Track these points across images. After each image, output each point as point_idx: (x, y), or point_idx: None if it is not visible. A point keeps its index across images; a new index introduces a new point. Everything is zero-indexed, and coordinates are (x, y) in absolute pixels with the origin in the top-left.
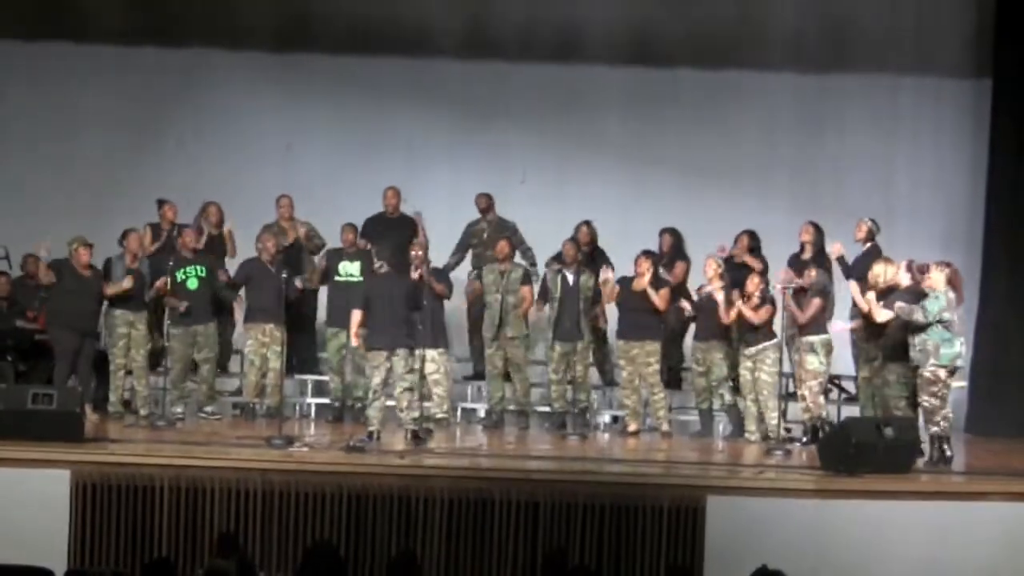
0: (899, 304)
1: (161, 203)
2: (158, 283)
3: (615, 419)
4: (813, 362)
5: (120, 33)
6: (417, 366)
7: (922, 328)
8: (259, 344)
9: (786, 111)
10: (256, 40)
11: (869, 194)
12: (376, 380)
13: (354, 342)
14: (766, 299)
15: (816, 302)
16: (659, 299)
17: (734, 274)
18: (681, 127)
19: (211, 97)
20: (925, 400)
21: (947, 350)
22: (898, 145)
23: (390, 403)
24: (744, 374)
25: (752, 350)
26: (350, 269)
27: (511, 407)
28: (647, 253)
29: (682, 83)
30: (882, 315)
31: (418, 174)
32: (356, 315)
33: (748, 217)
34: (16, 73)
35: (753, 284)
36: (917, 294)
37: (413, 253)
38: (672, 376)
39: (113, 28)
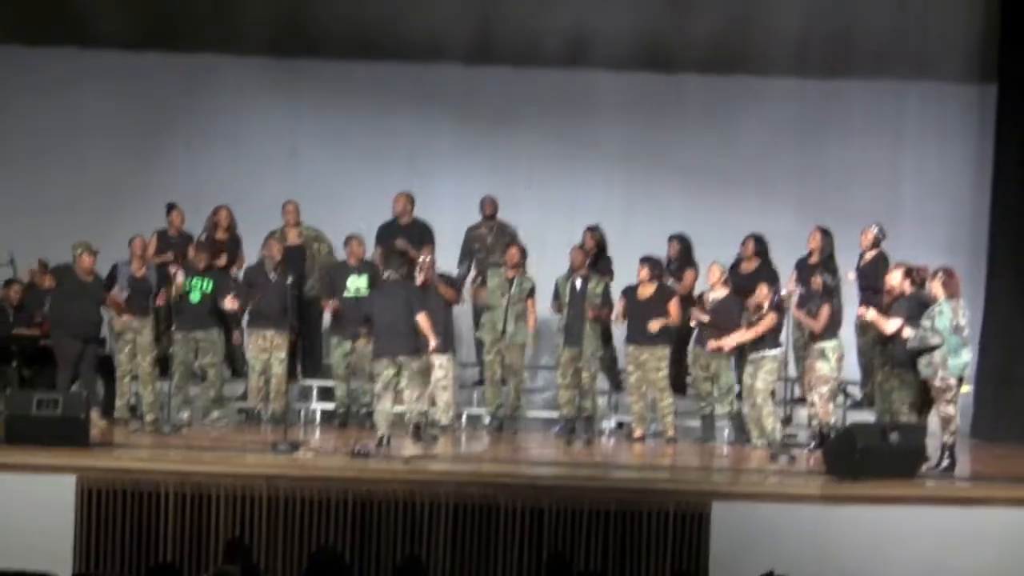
0: (910, 336)
1: (170, 208)
2: (163, 293)
3: (620, 425)
4: (823, 368)
5: (125, 38)
6: (425, 364)
7: (937, 346)
8: (259, 350)
9: (791, 116)
10: (261, 45)
11: (874, 199)
12: (378, 386)
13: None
14: (774, 307)
15: (826, 309)
16: (674, 309)
17: (739, 281)
18: (686, 133)
19: (216, 102)
20: (943, 409)
21: (954, 360)
22: (903, 150)
23: (399, 409)
24: (746, 380)
25: (754, 356)
26: (358, 283)
27: (503, 412)
28: (645, 260)
29: (688, 89)
30: (890, 326)
31: (423, 180)
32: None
33: (753, 222)
34: (21, 79)
35: (762, 293)
36: (920, 301)
37: (421, 259)
38: (678, 381)
39: (118, 33)
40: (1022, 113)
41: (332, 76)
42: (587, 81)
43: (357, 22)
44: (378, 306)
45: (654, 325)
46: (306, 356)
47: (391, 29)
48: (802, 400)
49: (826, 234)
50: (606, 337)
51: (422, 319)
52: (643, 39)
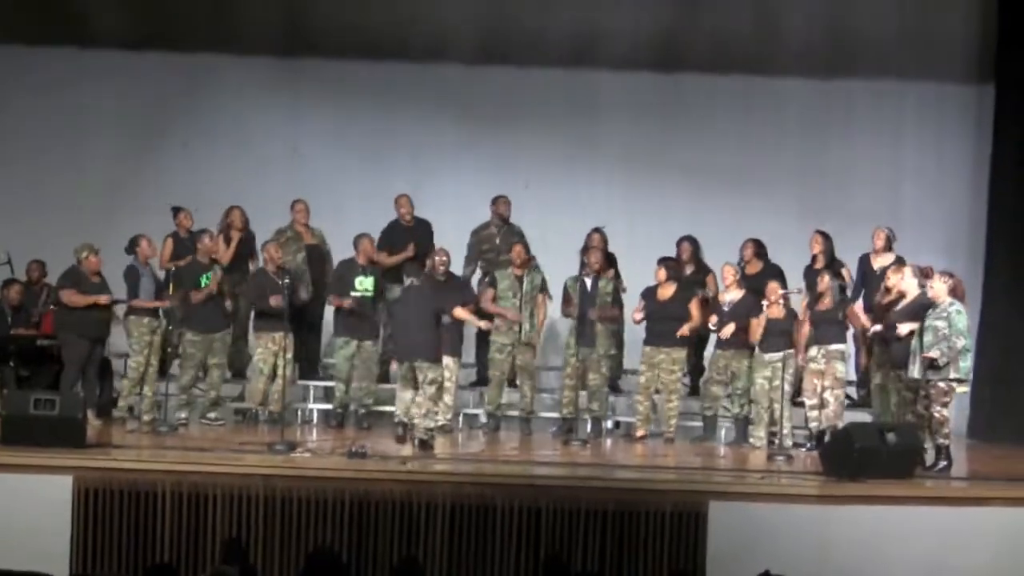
0: (938, 351)
1: (176, 211)
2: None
3: (617, 424)
4: (841, 370)
5: (125, 38)
6: (441, 377)
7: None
8: (270, 353)
9: (793, 117)
10: (262, 45)
11: (875, 200)
12: (406, 394)
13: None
14: (787, 306)
15: (855, 311)
16: (697, 313)
17: (748, 283)
18: (689, 133)
19: (217, 102)
20: (937, 411)
21: (964, 362)
22: (902, 151)
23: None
24: (762, 382)
25: (776, 356)
26: (366, 284)
27: (514, 412)
28: (662, 261)
29: (690, 89)
30: (905, 329)
31: (425, 179)
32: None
33: (755, 223)
34: (21, 79)
35: (774, 292)
36: (924, 304)
37: (437, 259)
38: (695, 384)
39: (118, 33)
40: (1020, 113)
41: (333, 76)
42: (590, 81)
43: (358, 22)
44: (399, 313)
45: (684, 331)
46: (306, 357)
47: (393, 29)
48: (801, 402)
49: (826, 237)
50: (619, 339)
51: (459, 312)
52: (646, 39)
